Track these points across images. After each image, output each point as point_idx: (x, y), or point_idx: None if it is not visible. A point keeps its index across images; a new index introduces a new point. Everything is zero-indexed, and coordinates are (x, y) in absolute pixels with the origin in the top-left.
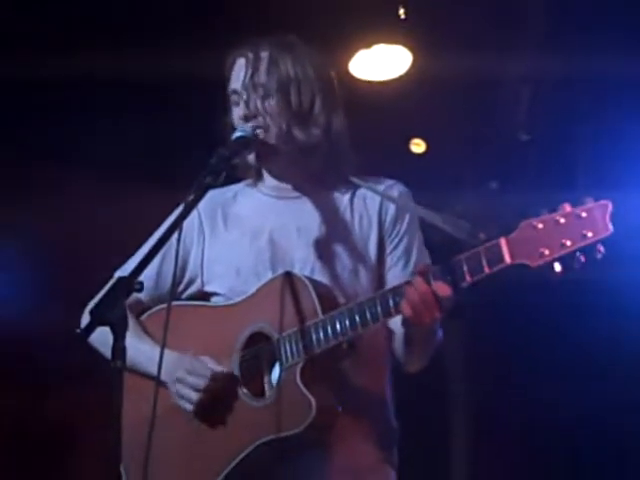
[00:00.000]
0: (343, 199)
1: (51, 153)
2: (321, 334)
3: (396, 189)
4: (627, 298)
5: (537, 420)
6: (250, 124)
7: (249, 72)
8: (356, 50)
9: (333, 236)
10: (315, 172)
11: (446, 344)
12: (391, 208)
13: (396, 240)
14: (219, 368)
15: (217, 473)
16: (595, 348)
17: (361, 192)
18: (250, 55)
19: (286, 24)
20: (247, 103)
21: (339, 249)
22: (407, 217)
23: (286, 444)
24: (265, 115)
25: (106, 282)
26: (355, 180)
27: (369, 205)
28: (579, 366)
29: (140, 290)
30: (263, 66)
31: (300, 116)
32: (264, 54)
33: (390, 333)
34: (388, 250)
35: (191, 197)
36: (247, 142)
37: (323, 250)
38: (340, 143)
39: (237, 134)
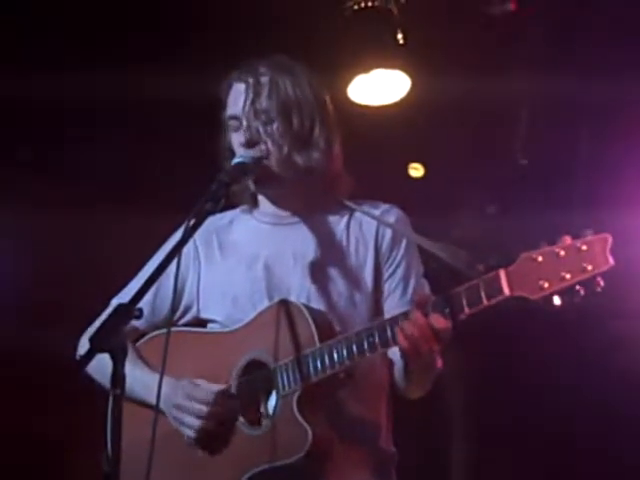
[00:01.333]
0: (339, 224)
1: (47, 171)
2: (318, 363)
3: (393, 214)
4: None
5: (539, 436)
6: (252, 152)
7: (249, 98)
8: (354, 75)
9: (329, 262)
10: (312, 196)
11: (446, 367)
12: (388, 233)
13: (393, 266)
14: (219, 388)
15: None
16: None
17: (357, 216)
18: (250, 80)
19: (285, 48)
20: (248, 130)
21: (335, 275)
22: (404, 242)
23: (281, 473)
24: (267, 141)
25: (104, 303)
26: (351, 204)
27: (365, 230)
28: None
29: (139, 317)
30: (264, 91)
31: (301, 140)
32: (264, 79)
33: (389, 362)
34: (385, 276)
35: (191, 223)
36: (247, 168)
37: (319, 277)
38: (338, 166)
39: (237, 160)
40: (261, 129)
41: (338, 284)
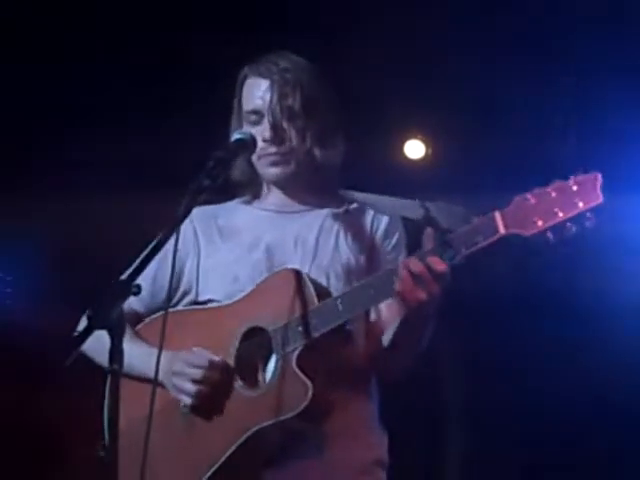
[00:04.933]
0: (339, 213)
1: (57, 155)
2: (316, 320)
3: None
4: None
5: (537, 426)
6: (277, 148)
7: (276, 95)
8: None
9: (329, 249)
10: (318, 188)
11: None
12: (382, 224)
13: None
14: (216, 357)
15: (212, 462)
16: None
17: (355, 206)
18: (275, 77)
19: (291, 34)
20: (274, 127)
21: (334, 261)
22: (397, 234)
23: (282, 431)
24: (292, 139)
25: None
26: (349, 194)
27: (362, 219)
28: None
29: (137, 293)
30: (290, 89)
31: (322, 137)
32: (289, 76)
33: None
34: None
35: (188, 200)
36: (245, 145)
37: (318, 261)
38: (341, 159)
39: (236, 136)
40: (286, 126)
41: (336, 268)
